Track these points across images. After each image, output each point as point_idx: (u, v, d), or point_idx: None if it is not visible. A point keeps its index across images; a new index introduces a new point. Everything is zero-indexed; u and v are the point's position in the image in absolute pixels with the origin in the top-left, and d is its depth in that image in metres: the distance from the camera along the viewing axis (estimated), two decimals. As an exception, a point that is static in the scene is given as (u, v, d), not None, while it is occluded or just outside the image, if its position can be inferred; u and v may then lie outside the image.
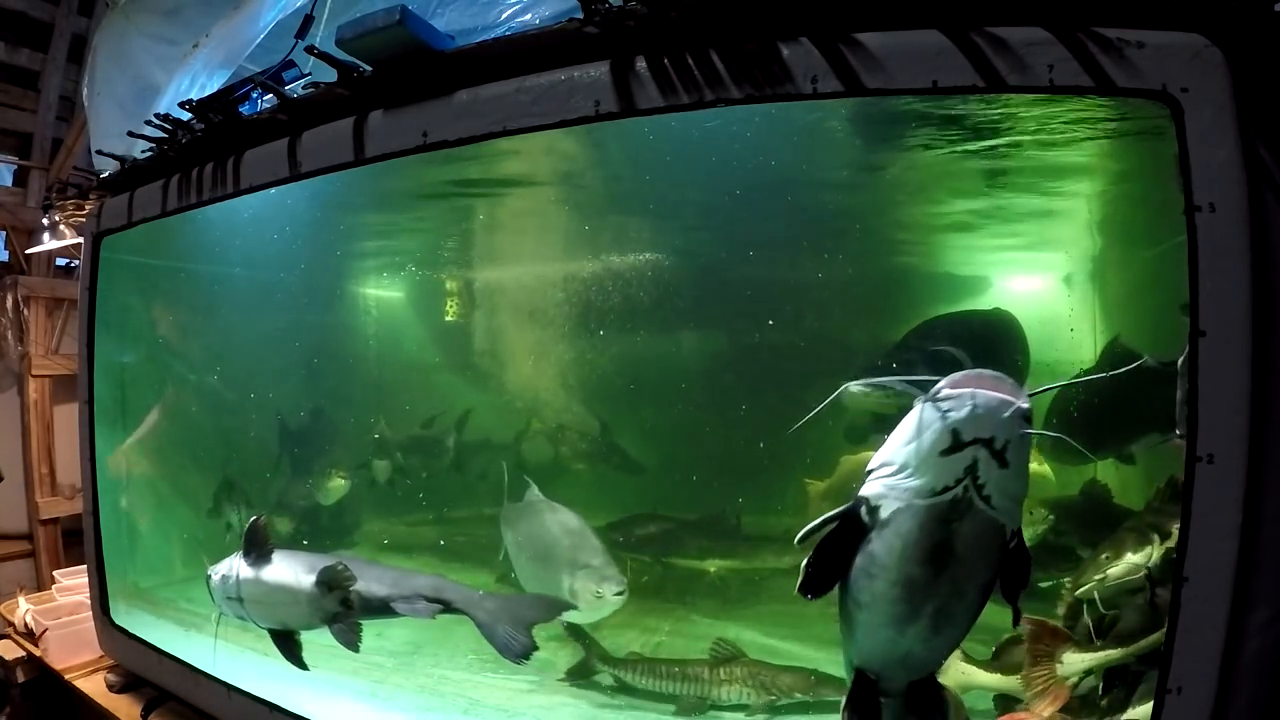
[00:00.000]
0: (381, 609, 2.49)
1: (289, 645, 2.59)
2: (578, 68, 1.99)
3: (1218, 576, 1.52)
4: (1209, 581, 1.53)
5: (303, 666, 2.61)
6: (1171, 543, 2.32)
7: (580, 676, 3.00)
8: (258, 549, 2.61)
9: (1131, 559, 2.32)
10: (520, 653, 2.37)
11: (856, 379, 3.29)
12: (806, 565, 1.65)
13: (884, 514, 1.58)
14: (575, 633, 3.03)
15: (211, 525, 4.24)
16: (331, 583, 2.46)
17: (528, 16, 2.39)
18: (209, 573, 2.72)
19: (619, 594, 2.89)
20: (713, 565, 3.89)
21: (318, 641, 3.50)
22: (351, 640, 2.47)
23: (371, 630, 3.66)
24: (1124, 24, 1.57)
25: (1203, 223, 1.52)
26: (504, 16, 2.43)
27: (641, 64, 1.90)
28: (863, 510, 1.62)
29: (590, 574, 2.93)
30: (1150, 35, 1.55)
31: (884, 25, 1.72)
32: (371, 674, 3.17)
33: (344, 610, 2.47)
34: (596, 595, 2.88)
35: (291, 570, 2.54)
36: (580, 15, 1.88)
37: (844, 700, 1.84)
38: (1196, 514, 1.54)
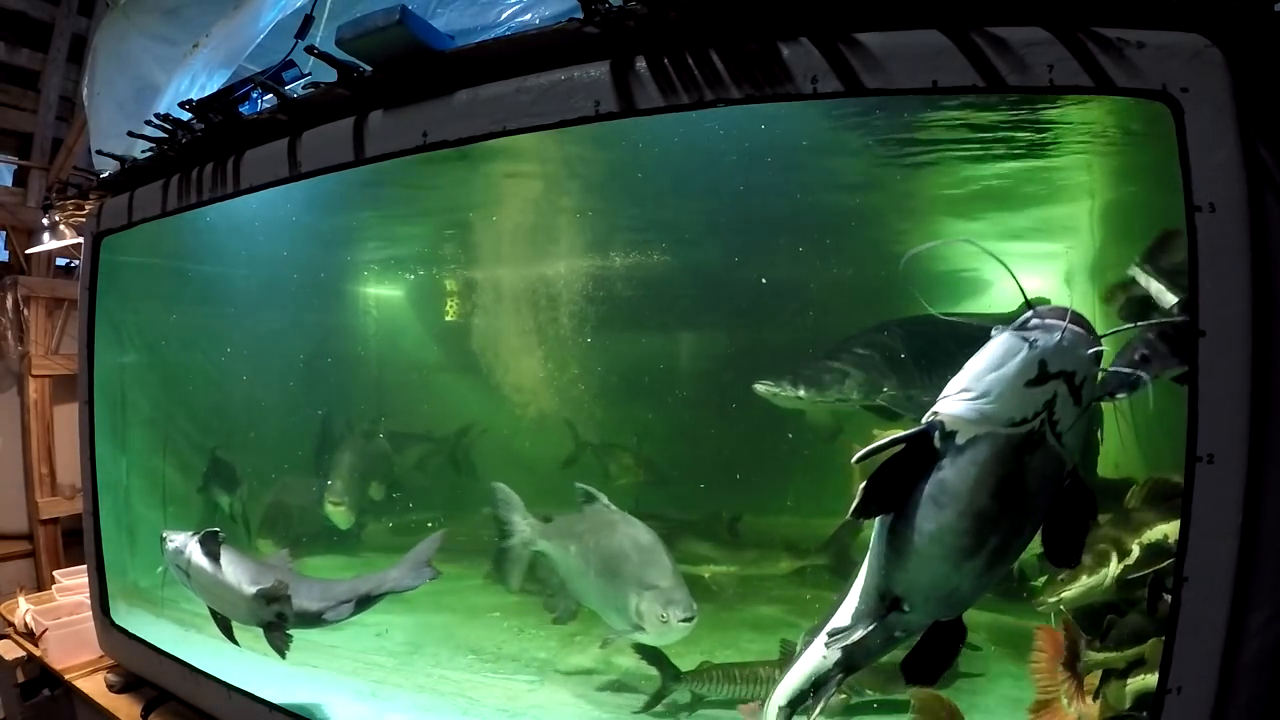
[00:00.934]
0: (313, 620, 2.70)
1: (224, 625, 2.81)
2: (578, 68, 1.99)
3: (1218, 576, 1.52)
4: (1209, 581, 1.53)
5: (234, 641, 2.82)
6: (1131, 560, 2.34)
7: (657, 701, 2.85)
8: (210, 552, 2.75)
9: (1087, 582, 2.34)
10: (428, 577, 2.69)
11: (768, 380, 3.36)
12: (865, 487, 1.57)
13: (960, 439, 1.52)
14: (647, 655, 2.87)
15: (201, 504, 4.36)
16: (269, 596, 2.65)
17: (528, 16, 2.39)
18: (164, 534, 2.85)
19: (687, 620, 2.73)
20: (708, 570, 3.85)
21: (318, 641, 3.52)
22: (281, 648, 2.66)
23: (371, 630, 3.69)
24: (1124, 24, 1.57)
25: (1203, 223, 1.52)
26: (504, 16, 2.43)
27: (641, 64, 1.90)
28: (936, 434, 1.55)
29: (658, 596, 2.77)
30: (1150, 35, 1.55)
31: (884, 25, 1.72)
32: (371, 674, 3.18)
33: (278, 620, 2.66)
34: (662, 620, 2.73)
35: (235, 574, 2.70)
36: (580, 15, 1.88)
37: (852, 630, 1.78)
38: (1196, 514, 1.54)
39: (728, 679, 2.76)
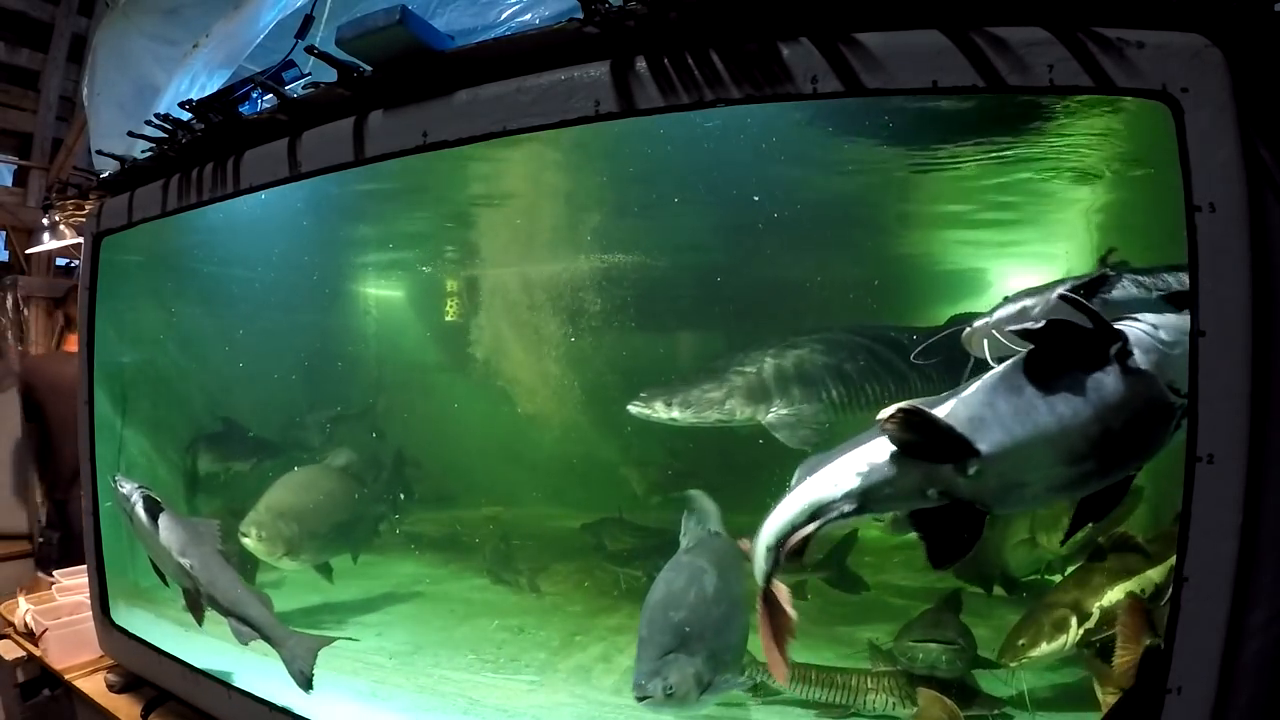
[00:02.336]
0: (221, 610, 2.81)
1: (159, 572, 2.99)
2: (578, 68, 1.98)
3: (1218, 576, 1.52)
4: (1209, 581, 1.53)
5: (164, 583, 2.99)
6: (1091, 623, 2.35)
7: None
8: (150, 511, 2.94)
9: (1046, 648, 2.34)
10: (303, 684, 2.65)
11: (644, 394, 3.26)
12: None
13: (1133, 360, 1.58)
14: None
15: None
16: (187, 573, 2.85)
17: (528, 16, 2.40)
18: (115, 476, 3.06)
19: None
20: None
21: (318, 642, 3.51)
22: (198, 617, 2.86)
23: (371, 630, 3.69)
24: (1124, 24, 1.57)
25: (1203, 223, 1.52)
26: (504, 16, 2.43)
27: (641, 64, 1.90)
28: (1121, 346, 1.59)
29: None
30: (1150, 35, 1.55)
31: (884, 25, 1.72)
32: (371, 674, 3.18)
33: (194, 591, 2.86)
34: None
35: (168, 536, 2.90)
36: (580, 15, 1.88)
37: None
38: (1196, 514, 1.54)
39: (804, 680, 2.64)
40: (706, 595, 2.24)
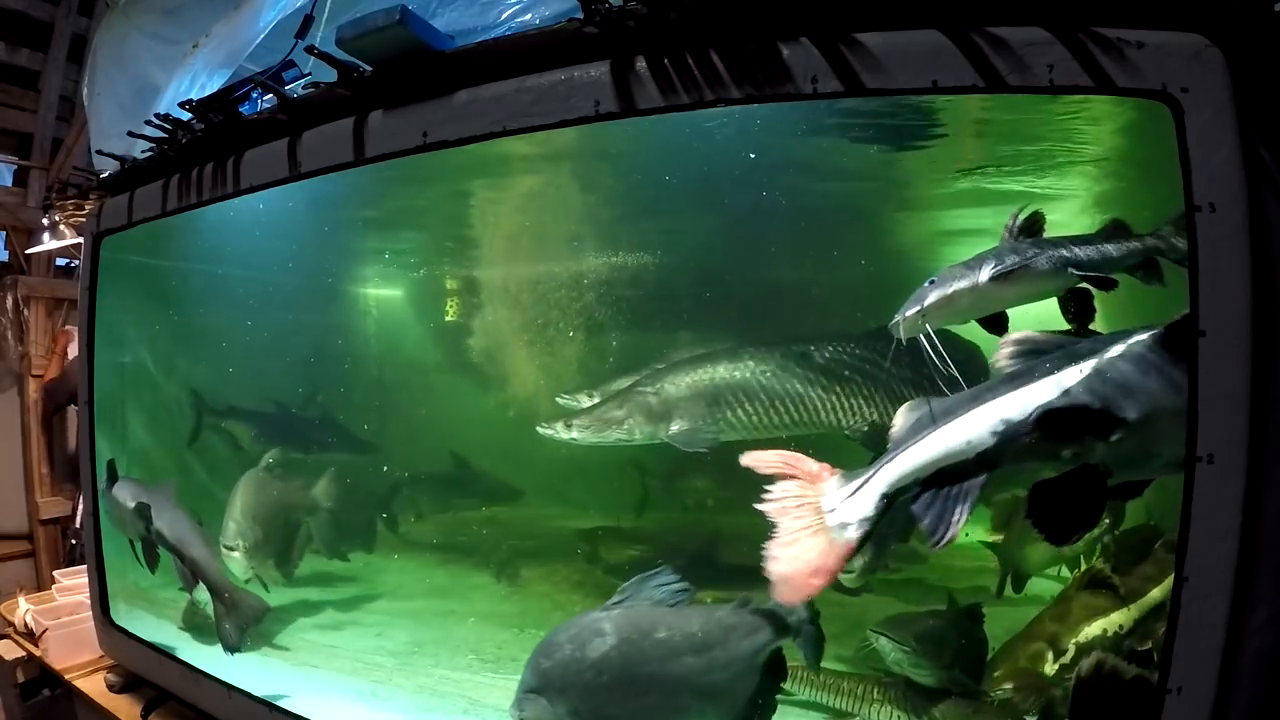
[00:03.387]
0: (172, 550, 3.07)
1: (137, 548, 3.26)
2: (578, 68, 1.99)
3: (1218, 576, 1.52)
4: (1209, 581, 1.52)
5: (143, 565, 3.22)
6: (1068, 659, 2.36)
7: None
8: (110, 477, 3.33)
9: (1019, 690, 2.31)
10: (231, 647, 2.84)
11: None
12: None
13: None
14: None
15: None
16: (139, 512, 3.10)
17: (528, 16, 2.39)
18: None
19: None
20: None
21: (318, 641, 3.53)
22: (151, 561, 3.14)
23: (371, 630, 3.69)
24: (1124, 24, 1.57)
25: (1203, 223, 1.52)
26: (504, 16, 2.43)
27: (641, 64, 1.90)
28: None
29: None
30: (1150, 35, 1.55)
31: (884, 25, 1.72)
32: (371, 674, 3.18)
33: (149, 535, 3.11)
34: None
35: (123, 493, 3.22)
36: (580, 15, 1.88)
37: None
38: (1196, 514, 1.54)
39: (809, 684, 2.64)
40: (586, 657, 2.15)
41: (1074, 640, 2.40)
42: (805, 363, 3.09)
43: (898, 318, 1.93)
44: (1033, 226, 1.97)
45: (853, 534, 1.58)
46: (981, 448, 1.55)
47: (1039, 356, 1.60)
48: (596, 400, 3.56)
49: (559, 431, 3.27)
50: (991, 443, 1.55)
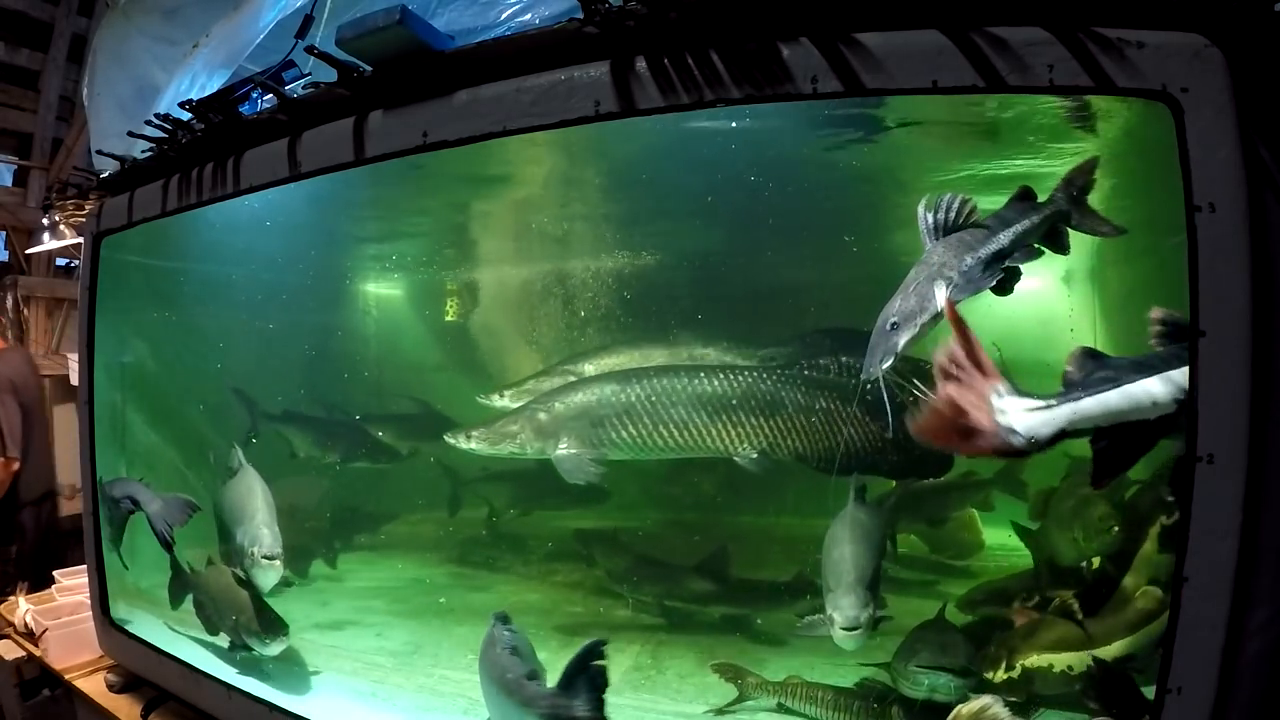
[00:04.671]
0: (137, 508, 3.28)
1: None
2: (578, 68, 1.99)
3: (1218, 576, 1.52)
4: (1209, 581, 1.53)
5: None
6: (1015, 674, 2.37)
7: (738, 702, 2.77)
8: None
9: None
10: (164, 537, 3.08)
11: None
12: None
13: None
14: (723, 670, 2.82)
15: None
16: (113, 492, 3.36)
17: (528, 16, 2.39)
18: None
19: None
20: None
21: (318, 642, 3.52)
22: (115, 540, 3.40)
23: (371, 630, 3.69)
24: (1124, 24, 1.57)
25: (1203, 223, 1.52)
26: (504, 16, 2.43)
27: (641, 64, 1.90)
28: None
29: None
30: (1150, 35, 1.55)
31: (884, 25, 1.72)
32: (371, 674, 3.18)
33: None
34: None
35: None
36: (580, 15, 1.88)
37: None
38: (1196, 514, 1.54)
39: (810, 699, 2.64)
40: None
41: (1023, 664, 2.41)
42: (695, 387, 3.14)
43: (873, 372, 1.87)
44: (956, 220, 1.89)
45: (1015, 440, 1.58)
46: (1163, 411, 1.54)
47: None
48: (507, 401, 3.74)
49: (460, 442, 3.41)
50: (1171, 409, 1.54)
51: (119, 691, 3.28)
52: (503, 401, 3.79)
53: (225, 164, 2.70)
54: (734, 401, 3.08)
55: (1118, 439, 1.57)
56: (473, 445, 3.38)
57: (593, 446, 3.17)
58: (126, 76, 3.47)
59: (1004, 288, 1.90)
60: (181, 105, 2.66)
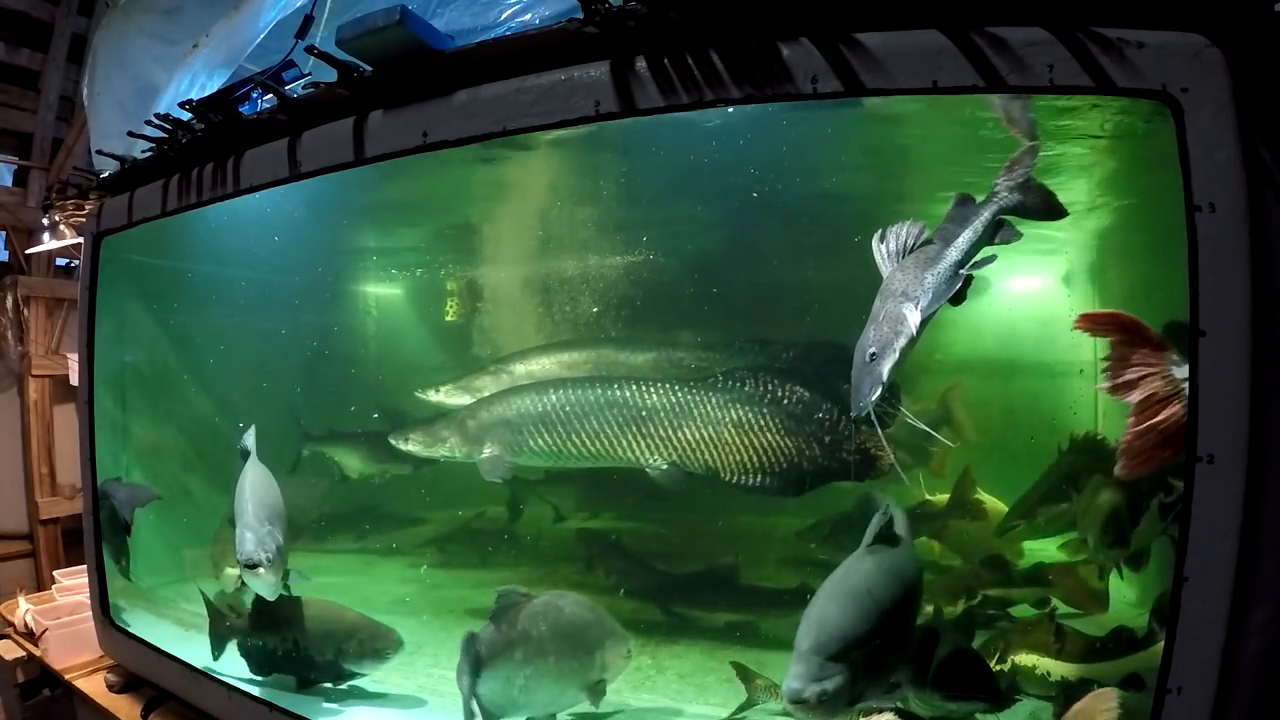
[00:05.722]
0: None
1: None
2: (578, 68, 1.99)
3: (1218, 576, 1.52)
4: (1209, 581, 1.53)
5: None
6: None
7: (746, 708, 2.64)
8: None
9: None
10: (125, 521, 3.33)
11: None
12: None
13: None
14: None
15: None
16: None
17: (528, 16, 2.39)
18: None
19: None
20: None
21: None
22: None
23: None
24: (1124, 24, 1.57)
25: (1203, 223, 1.52)
26: (504, 16, 2.43)
27: (641, 64, 1.90)
28: None
29: None
30: (1150, 35, 1.55)
31: (884, 25, 1.72)
32: (371, 674, 3.17)
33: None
34: None
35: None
36: (580, 15, 1.88)
37: None
38: (1196, 514, 1.54)
39: None
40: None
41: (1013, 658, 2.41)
42: (606, 397, 3.19)
43: (864, 406, 1.81)
44: (908, 243, 1.88)
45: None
46: None
47: None
48: (443, 397, 3.87)
49: (400, 443, 3.56)
50: None
51: (119, 691, 3.28)
52: (438, 397, 3.90)
53: (225, 164, 2.70)
54: (643, 413, 3.12)
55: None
56: (410, 447, 3.51)
57: (513, 452, 3.29)
58: (126, 76, 3.47)
59: (960, 297, 1.86)
60: (181, 105, 2.66)
